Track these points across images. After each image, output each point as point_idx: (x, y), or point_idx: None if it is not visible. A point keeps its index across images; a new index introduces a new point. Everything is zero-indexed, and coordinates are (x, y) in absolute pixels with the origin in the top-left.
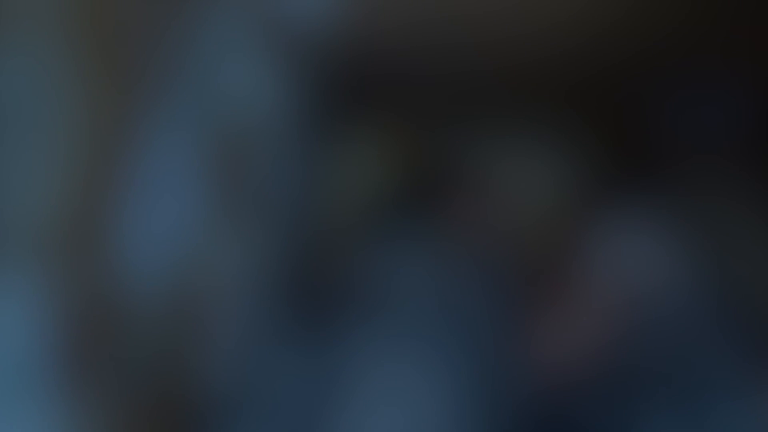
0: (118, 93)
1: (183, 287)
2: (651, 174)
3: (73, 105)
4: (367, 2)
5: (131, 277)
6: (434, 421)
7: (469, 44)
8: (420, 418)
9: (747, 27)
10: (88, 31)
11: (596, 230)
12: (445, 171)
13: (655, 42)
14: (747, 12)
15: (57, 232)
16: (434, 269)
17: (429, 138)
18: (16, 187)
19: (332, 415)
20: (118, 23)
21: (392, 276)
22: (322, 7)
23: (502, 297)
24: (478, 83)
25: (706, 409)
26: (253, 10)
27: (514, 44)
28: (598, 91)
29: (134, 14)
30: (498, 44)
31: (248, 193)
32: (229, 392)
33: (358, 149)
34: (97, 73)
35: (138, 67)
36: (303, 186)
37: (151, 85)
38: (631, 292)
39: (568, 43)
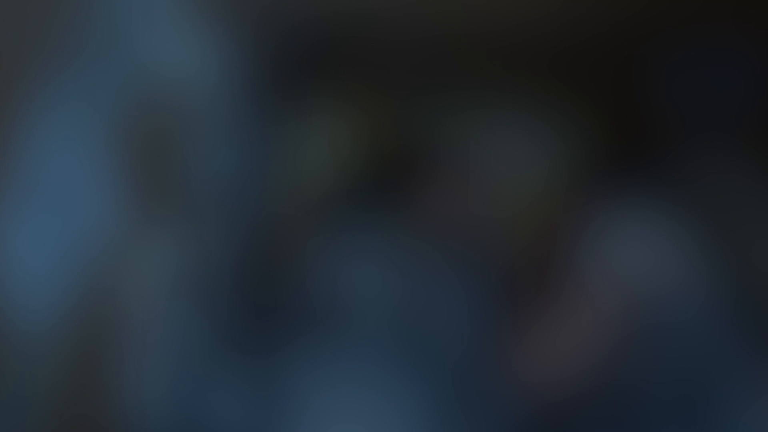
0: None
1: (93, 304)
2: (652, 153)
3: None
4: None
5: (19, 298)
6: None
7: (444, 3)
8: None
9: None
10: None
11: (592, 219)
12: (418, 150)
13: (653, 5)
14: None
15: None
16: (406, 270)
17: (398, 110)
18: None
19: None
20: None
21: (355, 279)
22: None
23: (484, 302)
24: (455, 47)
25: (716, 424)
26: None
27: (496, 3)
28: (592, 58)
29: None
30: (476, 2)
31: (177, 183)
32: (157, 425)
33: (314, 125)
34: None
35: (29, 26)
36: (247, 173)
37: (46, 48)
38: (633, 292)
39: (555, 4)
